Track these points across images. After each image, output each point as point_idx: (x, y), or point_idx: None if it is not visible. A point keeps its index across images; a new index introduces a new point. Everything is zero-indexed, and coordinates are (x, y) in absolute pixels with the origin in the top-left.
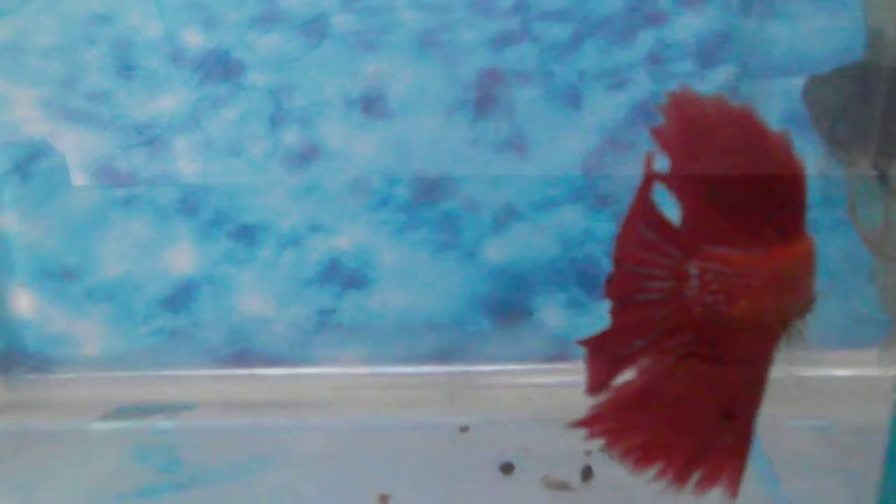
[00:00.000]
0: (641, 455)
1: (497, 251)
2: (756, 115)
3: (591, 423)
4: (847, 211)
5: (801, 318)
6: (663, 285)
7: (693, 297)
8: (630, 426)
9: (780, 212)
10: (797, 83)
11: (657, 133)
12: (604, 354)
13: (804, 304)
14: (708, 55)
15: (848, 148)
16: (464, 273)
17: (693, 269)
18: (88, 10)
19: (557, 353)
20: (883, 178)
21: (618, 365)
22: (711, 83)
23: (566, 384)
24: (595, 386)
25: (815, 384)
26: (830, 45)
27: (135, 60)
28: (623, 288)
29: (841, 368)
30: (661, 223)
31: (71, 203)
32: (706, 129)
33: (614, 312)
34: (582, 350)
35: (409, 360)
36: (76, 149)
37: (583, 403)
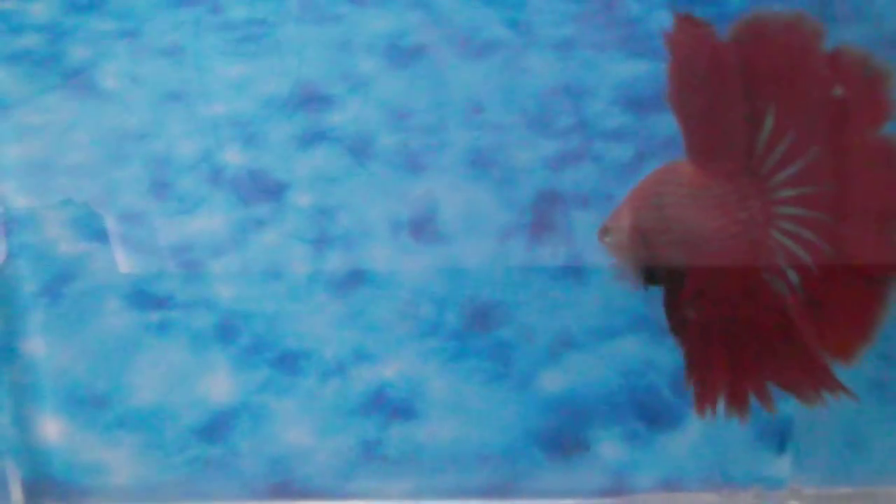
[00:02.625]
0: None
1: (552, 381)
2: None
3: None
4: None
5: None
6: None
7: None
8: None
9: None
10: None
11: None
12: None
13: None
14: None
15: None
16: (517, 404)
17: None
18: (122, 126)
19: (614, 488)
20: None
21: None
22: None
23: None
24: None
25: None
26: None
27: (171, 179)
28: None
29: None
30: None
31: (102, 327)
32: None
33: None
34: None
35: (458, 494)
36: (108, 271)
37: None
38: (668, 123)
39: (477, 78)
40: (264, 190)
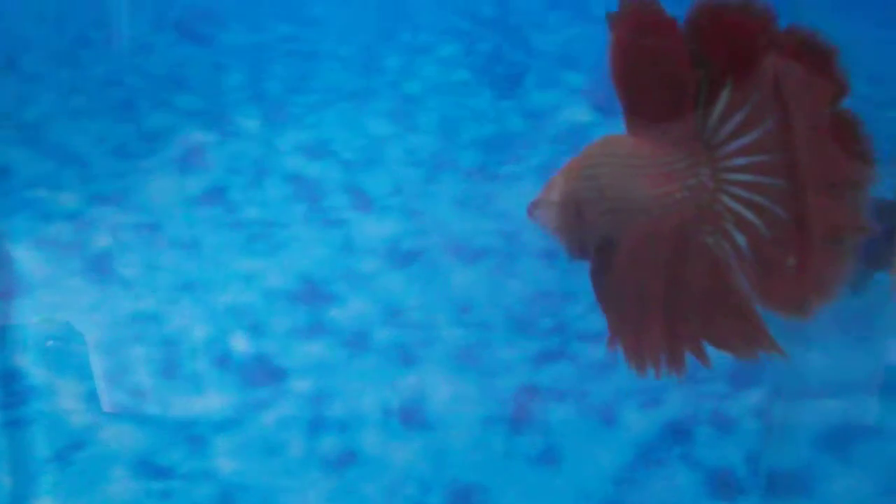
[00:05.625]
0: None
1: None
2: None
3: None
4: None
5: None
6: None
7: None
8: None
9: None
10: (830, 405)
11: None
12: None
13: None
14: (741, 377)
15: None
16: None
17: None
18: (137, 310)
19: None
20: None
21: None
22: (744, 404)
23: None
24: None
25: None
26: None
27: (180, 361)
28: None
29: None
30: None
31: (109, 493)
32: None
33: None
34: None
35: None
36: (117, 441)
37: None
38: None
39: (468, 281)
40: (266, 375)
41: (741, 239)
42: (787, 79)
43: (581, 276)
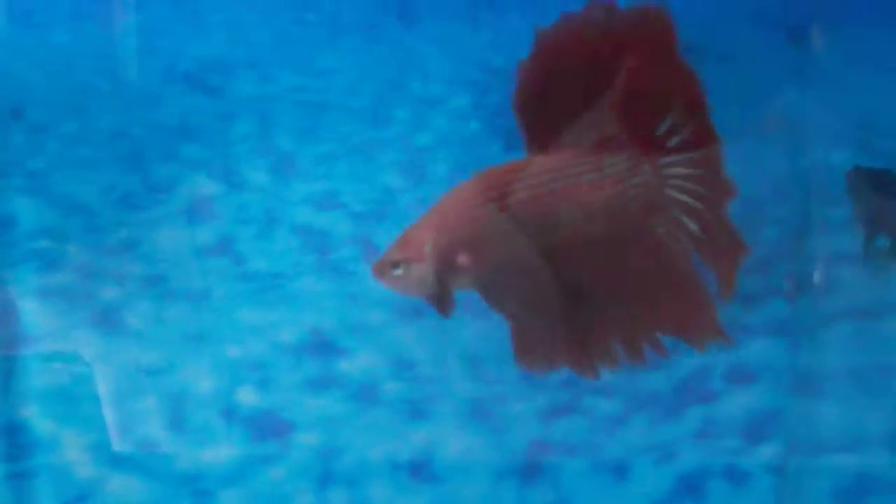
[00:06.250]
0: None
1: None
2: None
3: None
4: None
5: None
6: None
7: None
8: None
9: None
10: (845, 460)
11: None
12: None
13: None
14: (755, 431)
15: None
16: None
17: None
18: (144, 362)
19: None
20: None
21: None
22: (758, 459)
23: None
24: None
25: None
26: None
27: (187, 414)
28: None
29: None
30: None
31: None
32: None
33: None
34: None
35: None
36: (123, 494)
37: None
38: (653, 381)
39: (478, 334)
40: (274, 428)
41: (693, 225)
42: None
43: None
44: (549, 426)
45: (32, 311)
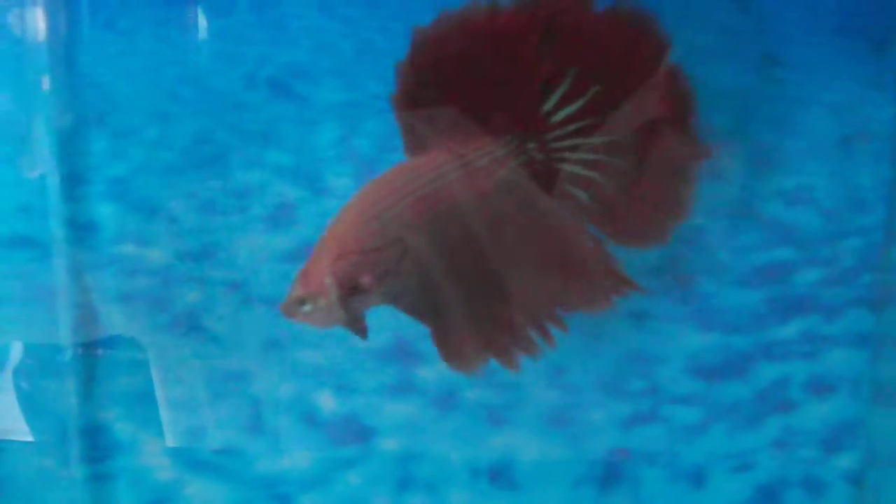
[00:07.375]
0: None
1: None
2: None
3: None
4: None
5: None
6: None
7: None
8: None
9: None
10: None
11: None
12: None
13: None
14: (834, 442)
15: None
16: None
17: None
18: (224, 367)
19: None
20: None
21: None
22: (837, 469)
23: None
24: None
25: None
26: None
27: (267, 418)
28: None
29: None
30: None
31: None
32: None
33: None
34: None
35: None
36: (201, 498)
37: None
38: (734, 391)
39: (559, 343)
40: (354, 433)
41: (583, 195)
42: (610, 48)
43: (673, 339)
44: (628, 434)
45: (114, 316)
